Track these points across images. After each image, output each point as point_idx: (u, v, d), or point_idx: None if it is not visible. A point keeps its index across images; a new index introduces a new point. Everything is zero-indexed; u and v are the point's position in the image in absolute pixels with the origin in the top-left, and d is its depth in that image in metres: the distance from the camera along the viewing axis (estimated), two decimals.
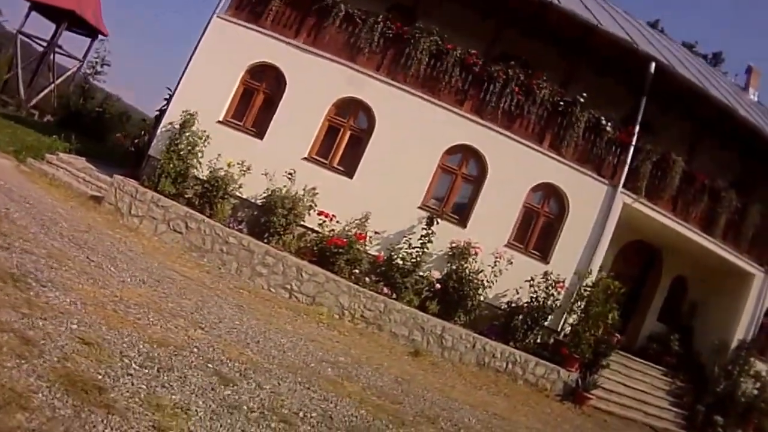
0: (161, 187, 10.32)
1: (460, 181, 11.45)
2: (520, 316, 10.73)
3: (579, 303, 11.12)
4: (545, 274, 10.94)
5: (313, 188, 10.55)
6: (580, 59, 12.25)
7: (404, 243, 10.58)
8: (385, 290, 10.02)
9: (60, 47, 20.50)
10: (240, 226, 10.28)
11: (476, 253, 10.61)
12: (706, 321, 14.14)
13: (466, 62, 11.26)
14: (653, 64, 11.74)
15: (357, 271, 10.16)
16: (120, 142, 14.04)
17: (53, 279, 5.69)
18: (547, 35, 12.13)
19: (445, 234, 10.77)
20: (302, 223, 10.56)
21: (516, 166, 11.39)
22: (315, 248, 10.35)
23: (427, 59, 11.21)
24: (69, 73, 20.72)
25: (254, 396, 4.75)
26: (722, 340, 13.15)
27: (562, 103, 11.48)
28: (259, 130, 11.20)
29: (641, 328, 14.39)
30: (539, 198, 11.68)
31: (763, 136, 13.13)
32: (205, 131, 10.69)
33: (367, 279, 10.11)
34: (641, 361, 12.72)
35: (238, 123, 11.27)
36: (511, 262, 10.75)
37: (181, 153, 10.52)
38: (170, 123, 10.93)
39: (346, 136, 11.31)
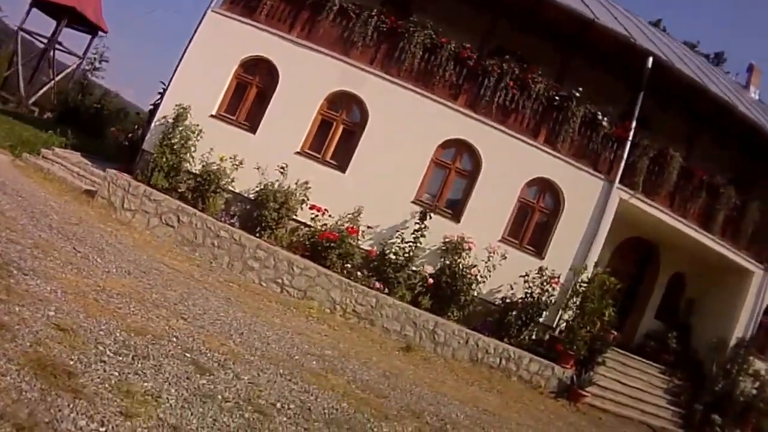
0: (154, 181, 10.32)
1: (453, 175, 11.38)
2: (514, 312, 10.64)
3: (574, 299, 11.02)
4: (540, 269, 10.88)
5: (306, 182, 10.51)
6: (576, 54, 12.15)
7: (397, 238, 10.52)
8: (378, 285, 9.97)
9: (60, 44, 20.58)
10: (232, 220, 10.26)
11: (470, 248, 10.54)
12: (704, 319, 14.01)
13: (460, 56, 11.19)
14: (651, 59, 11.62)
15: (349, 265, 10.11)
16: (115, 136, 14.04)
17: (36, 268, 5.68)
18: (543, 30, 12.05)
19: (439, 229, 10.71)
20: (294, 217, 10.51)
21: (511, 160, 11.30)
22: (307, 242, 10.32)
23: (421, 53, 11.13)
24: (69, 69, 20.77)
25: (231, 386, 4.70)
26: (720, 338, 13.03)
27: (557, 97, 11.38)
28: (251, 124, 11.16)
29: (638, 325, 14.27)
30: (534, 193, 11.59)
31: (763, 133, 13.00)
32: (197, 125, 10.66)
33: (359, 273, 10.06)
34: (638, 358, 12.60)
35: (231, 117, 11.25)
36: (505, 257, 10.68)
37: (174, 147, 10.50)
38: (164, 117, 10.91)
39: (339, 130, 11.26)
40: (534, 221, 11.55)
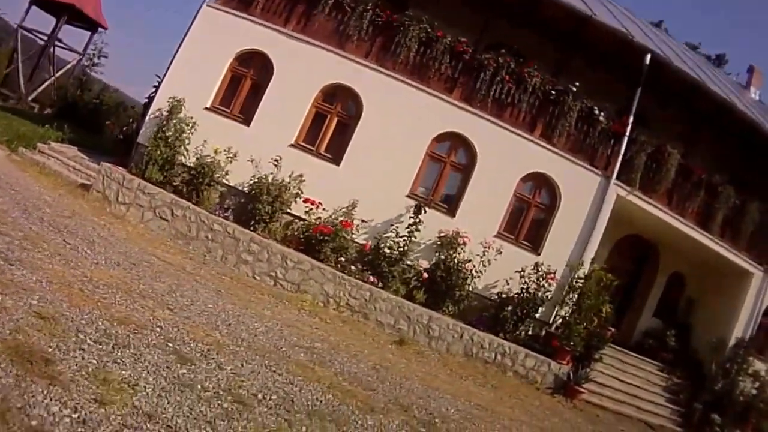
0: (148, 174, 10.29)
1: (448, 169, 11.31)
2: (510, 307, 10.60)
3: (571, 295, 10.97)
4: (536, 265, 10.81)
5: (300, 175, 10.46)
6: (574, 51, 12.08)
7: (392, 232, 10.48)
8: (372, 279, 9.92)
9: (60, 41, 20.59)
10: (226, 214, 10.23)
11: (465, 243, 10.48)
12: (703, 318, 13.95)
13: (455, 50, 11.13)
14: (648, 56, 11.55)
15: (343, 259, 10.08)
16: (110, 129, 14.03)
17: (23, 259, 5.65)
18: (541, 27, 11.98)
19: (434, 223, 10.65)
20: (288, 210, 10.47)
21: (506, 154, 11.23)
22: (301, 236, 10.28)
23: (416, 47, 11.08)
24: (69, 66, 20.78)
25: (211, 376, 4.65)
26: (720, 337, 12.96)
27: (553, 92, 11.31)
28: (246, 116, 11.12)
29: (637, 323, 14.21)
30: (530, 188, 11.52)
31: (762, 132, 12.89)
32: (192, 118, 10.64)
33: (353, 267, 10.02)
34: (637, 356, 12.54)
35: (226, 110, 11.21)
36: (500, 252, 10.61)
37: (169, 140, 10.46)
38: (158, 110, 10.89)
39: (333, 123, 11.21)
40: (530, 216, 11.48)
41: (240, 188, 10.69)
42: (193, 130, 10.64)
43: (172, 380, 4.28)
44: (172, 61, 11.37)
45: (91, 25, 21.14)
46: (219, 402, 4.23)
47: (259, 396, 4.67)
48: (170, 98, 10.73)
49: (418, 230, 10.37)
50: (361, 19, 11.11)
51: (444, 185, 11.34)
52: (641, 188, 11.81)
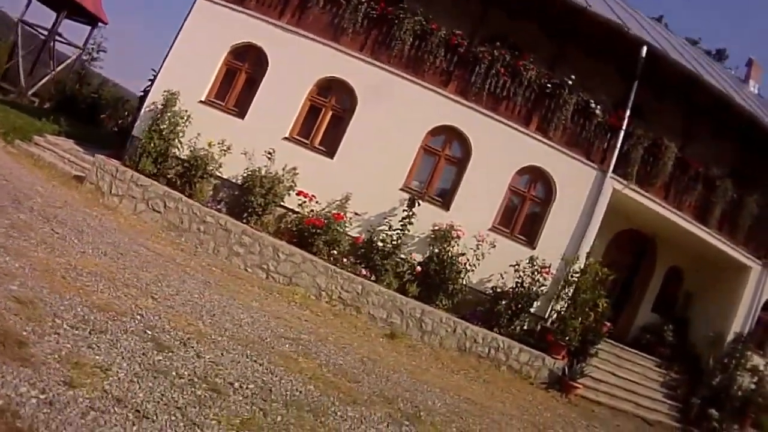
0: (142, 166, 10.29)
1: (443, 162, 11.25)
2: (505, 302, 10.52)
3: (566, 289, 10.88)
4: (531, 259, 10.73)
5: (294, 168, 10.45)
6: (570, 43, 11.99)
7: (385, 225, 10.45)
8: (364, 272, 9.88)
9: (60, 35, 20.62)
10: (219, 206, 10.22)
11: (459, 236, 10.43)
12: (701, 313, 13.84)
13: (450, 43, 11.06)
14: (645, 48, 11.42)
15: (335, 252, 10.04)
16: (106, 123, 14.06)
17: (7, 246, 5.66)
18: (536, 19, 11.87)
19: (428, 216, 10.61)
20: (282, 203, 10.46)
21: (501, 148, 11.16)
22: (294, 229, 10.26)
23: (411, 40, 11.01)
24: (69, 60, 20.81)
25: (188, 364, 4.63)
26: (718, 332, 12.88)
27: (549, 85, 11.21)
28: (240, 110, 11.11)
29: (634, 318, 14.11)
30: (525, 181, 11.45)
31: (761, 126, 12.76)
32: (186, 111, 10.63)
33: (345, 260, 9.99)
34: (634, 351, 12.46)
35: (220, 103, 11.20)
36: (494, 246, 10.55)
37: (163, 133, 10.46)
38: (153, 103, 10.88)
39: (327, 117, 11.17)
40: (525, 210, 11.42)
41: (233, 181, 10.68)
42: (187, 123, 10.65)
43: (147, 366, 4.26)
44: (167, 55, 11.36)
45: (91, 20, 21.15)
46: (192, 389, 4.21)
47: (236, 385, 4.64)
48: (165, 91, 10.73)
49: (411, 223, 10.32)
50: (355, 12, 11.05)
51: (438, 179, 11.28)
52: (638, 182, 11.72)
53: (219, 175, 10.59)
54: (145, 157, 10.34)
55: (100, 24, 21.42)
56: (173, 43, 11.35)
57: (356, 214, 10.53)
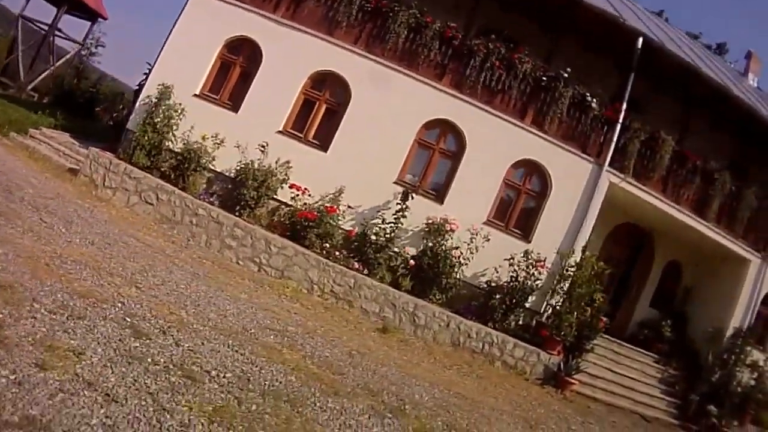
0: (135, 159, 10.31)
1: (437, 156, 11.19)
2: (499, 296, 10.46)
3: (562, 284, 10.81)
4: (526, 253, 10.65)
5: (287, 161, 10.42)
6: (565, 35, 11.93)
7: (378, 218, 10.38)
8: (357, 265, 9.84)
9: (60, 30, 20.67)
10: (212, 199, 10.21)
11: (453, 230, 10.37)
12: (700, 308, 13.73)
13: (445, 36, 10.99)
14: (641, 40, 11.32)
15: (328, 245, 10.00)
16: (101, 116, 14.08)
17: None
18: (531, 11, 11.80)
19: (422, 210, 10.56)
20: (274, 196, 10.43)
21: (496, 141, 11.09)
22: (287, 222, 10.24)
23: (405, 33, 10.96)
24: (68, 56, 20.87)
25: (165, 351, 4.59)
26: (717, 327, 12.78)
27: (545, 78, 11.14)
28: (234, 103, 11.09)
29: (632, 313, 14.01)
30: (520, 175, 11.37)
31: (759, 118, 12.64)
32: (180, 104, 10.63)
33: (338, 254, 9.94)
34: (631, 347, 12.37)
35: (214, 96, 11.17)
36: (488, 239, 10.49)
37: (157, 126, 10.48)
38: (147, 96, 10.87)
39: (321, 110, 11.13)
40: (520, 204, 11.34)
41: (227, 174, 10.66)
42: (181, 117, 10.65)
43: (122, 352, 4.24)
44: (162, 48, 11.36)
45: (91, 15, 21.19)
46: (167, 376, 4.17)
47: (213, 373, 4.59)
48: (160, 85, 10.73)
49: (405, 217, 10.27)
50: (350, 5, 11.01)
51: (433, 172, 11.21)
52: (635, 175, 11.62)
53: (212, 168, 10.58)
54: (139, 149, 10.35)
55: (99, 19, 21.45)
56: (168, 37, 11.34)
57: (349, 207, 10.49)
